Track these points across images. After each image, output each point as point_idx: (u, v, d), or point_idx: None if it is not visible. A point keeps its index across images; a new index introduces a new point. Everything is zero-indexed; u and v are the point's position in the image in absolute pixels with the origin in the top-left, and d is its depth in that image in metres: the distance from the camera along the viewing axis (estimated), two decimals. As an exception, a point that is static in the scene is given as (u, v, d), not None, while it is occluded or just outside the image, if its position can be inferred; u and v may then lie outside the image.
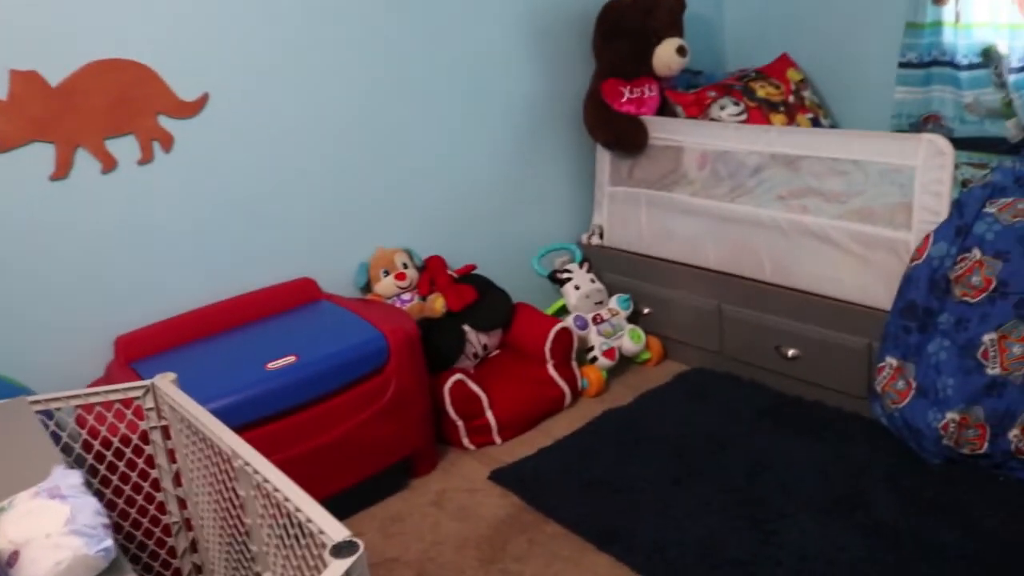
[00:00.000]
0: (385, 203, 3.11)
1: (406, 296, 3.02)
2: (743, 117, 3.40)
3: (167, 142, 2.60)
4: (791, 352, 2.86)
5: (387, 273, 3.01)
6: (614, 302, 3.32)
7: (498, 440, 2.90)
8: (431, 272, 3.08)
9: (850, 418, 2.74)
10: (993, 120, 3.33)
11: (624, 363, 3.29)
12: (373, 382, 2.54)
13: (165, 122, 2.59)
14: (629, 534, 2.34)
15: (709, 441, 2.71)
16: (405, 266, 3.04)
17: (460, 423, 2.85)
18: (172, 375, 1.86)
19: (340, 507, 2.46)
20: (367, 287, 3.06)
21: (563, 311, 3.33)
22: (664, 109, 3.44)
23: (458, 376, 2.83)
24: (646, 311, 3.34)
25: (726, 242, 3.04)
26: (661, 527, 2.34)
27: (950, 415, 2.42)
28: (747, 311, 2.98)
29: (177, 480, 1.93)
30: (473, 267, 3.17)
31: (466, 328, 3.00)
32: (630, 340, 3.24)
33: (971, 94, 3.35)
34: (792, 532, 2.27)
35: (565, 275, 3.34)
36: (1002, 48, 3.23)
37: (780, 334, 2.89)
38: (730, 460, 2.61)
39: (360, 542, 1.11)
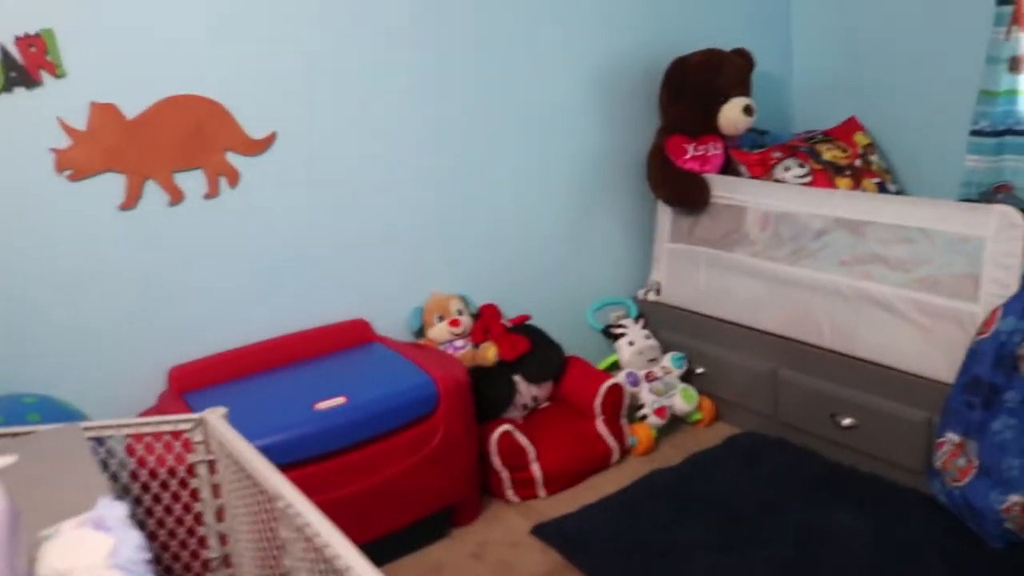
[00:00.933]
0: (443, 249, 3.13)
1: (459, 343, 3.02)
2: (808, 179, 3.36)
3: (234, 178, 2.66)
4: (847, 421, 2.79)
5: (441, 319, 3.01)
6: (668, 360, 3.28)
7: (543, 494, 2.86)
8: (485, 320, 3.08)
9: (907, 493, 2.65)
10: (1065, 193, 3.26)
11: (675, 423, 3.23)
12: (421, 427, 2.53)
13: (233, 159, 2.65)
14: (673, 600, 2.28)
15: (759, 508, 2.64)
16: (460, 312, 3.04)
17: (505, 474, 2.82)
18: (223, 409, 1.87)
19: (381, 552, 2.48)
20: (420, 332, 3.06)
21: (615, 366, 3.29)
22: (728, 168, 3.42)
23: (506, 427, 2.81)
24: (700, 371, 3.29)
25: (785, 305, 2.99)
26: (706, 594, 2.28)
27: (1015, 498, 2.33)
28: (803, 376, 2.92)
29: (220, 516, 1.93)
30: (527, 317, 3.16)
31: (517, 379, 2.98)
32: (682, 399, 3.19)
33: (1045, 165, 3.28)
34: (842, 609, 2.19)
35: (619, 330, 3.31)
36: (1077, 120, 3.17)
37: (836, 401, 2.81)
38: (780, 530, 2.53)
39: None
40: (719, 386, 3.24)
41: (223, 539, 1.96)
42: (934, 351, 2.58)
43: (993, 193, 3.43)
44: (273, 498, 1.48)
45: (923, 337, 2.61)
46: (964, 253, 2.56)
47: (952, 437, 2.48)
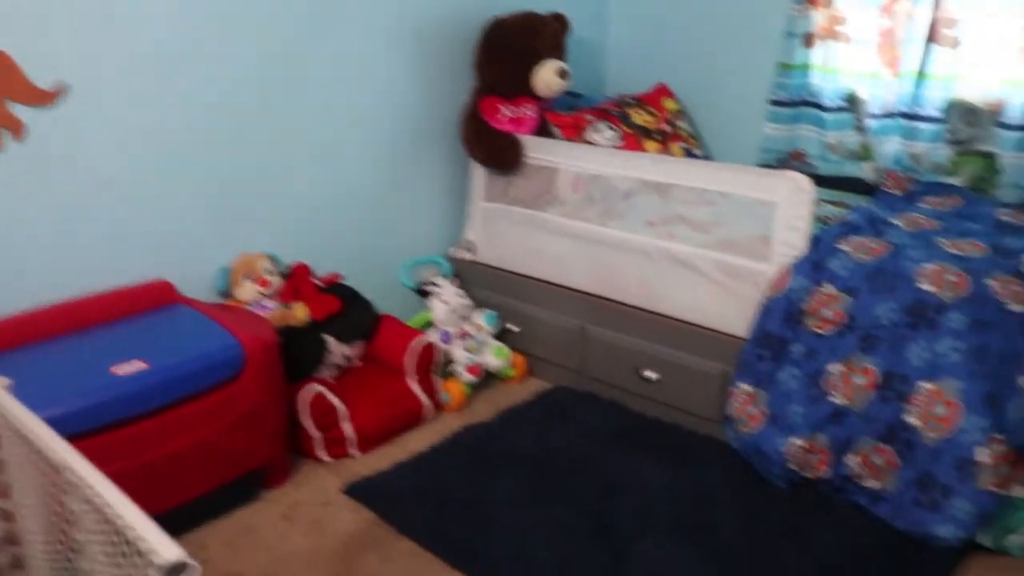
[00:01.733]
0: (252, 208, 3.01)
1: (268, 303, 2.93)
2: (618, 142, 3.45)
3: (18, 130, 2.45)
4: (651, 374, 2.92)
5: (249, 279, 2.92)
6: (481, 318, 3.31)
7: (355, 453, 2.84)
8: (295, 280, 3.00)
9: (705, 441, 2.81)
10: (853, 161, 3.49)
11: (488, 379, 3.28)
12: (227, 390, 2.45)
13: (18, 110, 2.44)
14: (482, 553, 2.32)
15: (567, 461, 2.73)
16: (268, 272, 2.95)
17: (317, 435, 2.78)
18: (5, 380, 1.74)
19: (186, 518, 2.40)
20: (228, 293, 2.96)
21: (428, 324, 3.30)
22: (543, 130, 3.46)
23: (317, 387, 2.76)
24: (512, 328, 3.35)
25: (594, 264, 3.08)
26: (514, 546, 2.34)
27: (796, 441, 2.51)
28: (610, 332, 3.03)
29: (5, 493, 1.81)
30: (339, 277, 3.11)
31: (328, 338, 2.93)
32: (494, 356, 3.24)
33: (835, 135, 3.51)
34: (642, 556, 2.30)
35: (432, 288, 3.31)
36: (864, 94, 3.39)
37: (641, 356, 2.94)
38: (587, 481, 2.62)
39: (193, 563, 1.06)
40: (531, 343, 3.31)
41: (8, 516, 1.83)
42: (731, 308, 2.73)
43: (789, 160, 3.65)
44: (60, 469, 1.40)
45: (721, 295, 2.75)
46: (759, 216, 2.71)
47: (744, 387, 2.64)
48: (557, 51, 3.40)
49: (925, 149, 3.29)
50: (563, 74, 3.33)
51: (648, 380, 2.93)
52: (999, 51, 3.07)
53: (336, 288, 3.04)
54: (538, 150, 3.30)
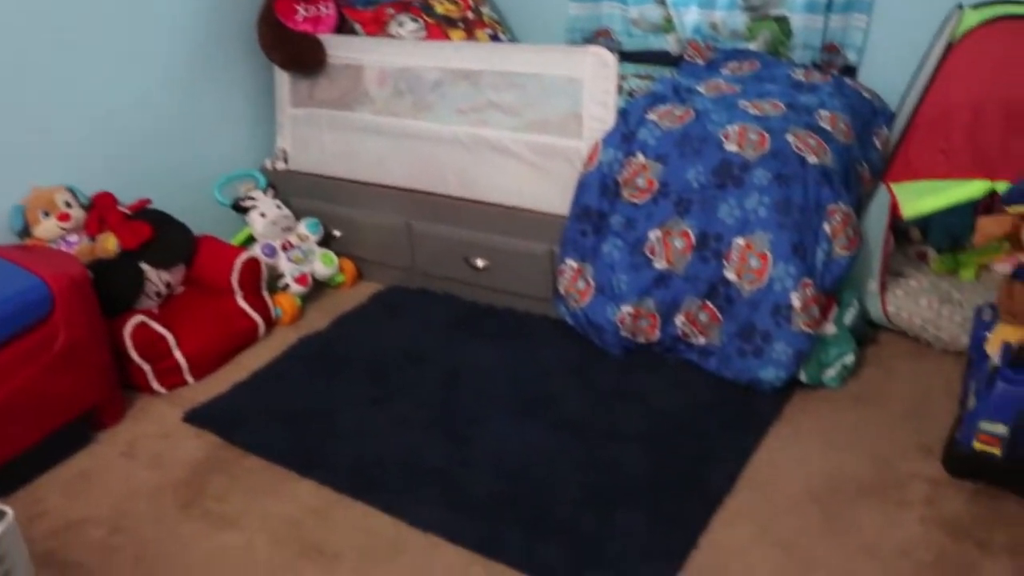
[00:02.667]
0: (38, 137, 2.78)
1: (72, 238, 2.76)
2: (422, 34, 3.38)
3: None
4: (480, 263, 2.94)
5: (47, 215, 2.73)
6: (303, 227, 3.23)
7: (190, 380, 2.75)
8: (99, 210, 2.83)
9: (539, 321, 2.88)
10: (657, 34, 3.56)
11: (319, 288, 3.23)
12: (37, 334, 2.30)
13: None
14: (330, 458, 2.32)
15: (406, 358, 2.74)
16: (68, 205, 2.76)
17: (147, 367, 2.67)
18: None
19: (18, 473, 2.28)
20: (26, 232, 2.76)
21: (250, 240, 3.19)
22: (343, 27, 3.34)
23: (139, 318, 2.64)
24: (337, 234, 3.28)
25: (411, 159, 3.04)
26: (361, 447, 2.35)
27: (625, 308, 2.61)
28: (436, 226, 3.02)
29: None
30: (147, 202, 2.94)
31: (144, 266, 2.79)
32: (322, 264, 3.18)
33: (636, 10, 3.55)
34: (487, 436, 2.36)
35: (249, 203, 3.19)
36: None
37: (469, 246, 2.95)
38: (426, 374, 2.65)
39: (7, 509, 1.00)
40: (358, 246, 3.27)
41: None
42: (550, 188, 2.76)
43: (595, 38, 3.68)
44: None
45: (539, 176, 2.78)
46: (567, 94, 2.73)
47: (571, 264, 2.70)
48: (349, -57, 3.27)
49: (723, 17, 3.38)
50: (355, -34, 3.21)
51: (478, 269, 2.95)
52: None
53: (145, 213, 2.88)
54: (339, 48, 3.19)
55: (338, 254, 3.27)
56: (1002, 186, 2.31)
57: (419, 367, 2.69)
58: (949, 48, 2.52)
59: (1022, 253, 2.11)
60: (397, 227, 3.11)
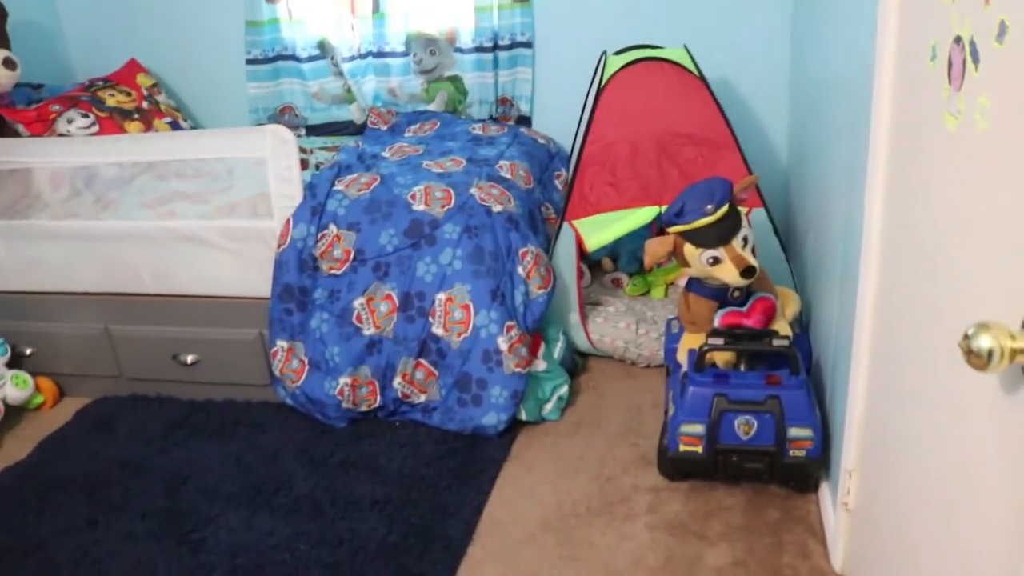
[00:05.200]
0: None
1: None
2: (94, 129, 3.23)
3: None
4: (190, 358, 2.83)
5: None
6: (-12, 350, 2.97)
7: None
8: None
9: (260, 408, 2.81)
10: (339, 105, 3.62)
11: (15, 413, 2.96)
12: None
13: None
14: (47, 594, 2.13)
15: (123, 470, 2.57)
16: None
17: None
18: None
19: None
20: None
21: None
22: (3, 129, 3.13)
23: None
24: (29, 352, 3.03)
25: (100, 261, 2.87)
26: (83, 571, 2.17)
27: (343, 380, 2.60)
28: (137, 327, 2.87)
29: None
30: None
31: None
32: (15, 387, 2.92)
33: (316, 84, 3.60)
34: (221, 535, 2.26)
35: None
36: (334, 40, 3.50)
37: (175, 343, 2.83)
38: (148, 484, 2.50)
39: None
40: (55, 362, 3.03)
41: None
42: (248, 272, 2.72)
43: (279, 115, 3.68)
44: None
45: (236, 261, 2.73)
46: (252, 175, 2.72)
47: (282, 344, 2.66)
48: (-1, 41, 3.09)
49: (400, 82, 3.50)
50: (9, 64, 3.03)
51: (189, 364, 2.84)
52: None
53: None
54: (2, 152, 2.97)
55: (34, 373, 3.01)
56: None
57: (139, 478, 2.53)
58: (600, 91, 2.75)
59: (687, 268, 2.32)
60: (95, 335, 2.92)
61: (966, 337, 0.89)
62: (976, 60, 1.05)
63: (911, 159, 1.39)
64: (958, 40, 1.12)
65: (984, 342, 0.87)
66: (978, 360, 0.88)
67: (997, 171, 1.00)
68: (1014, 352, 0.87)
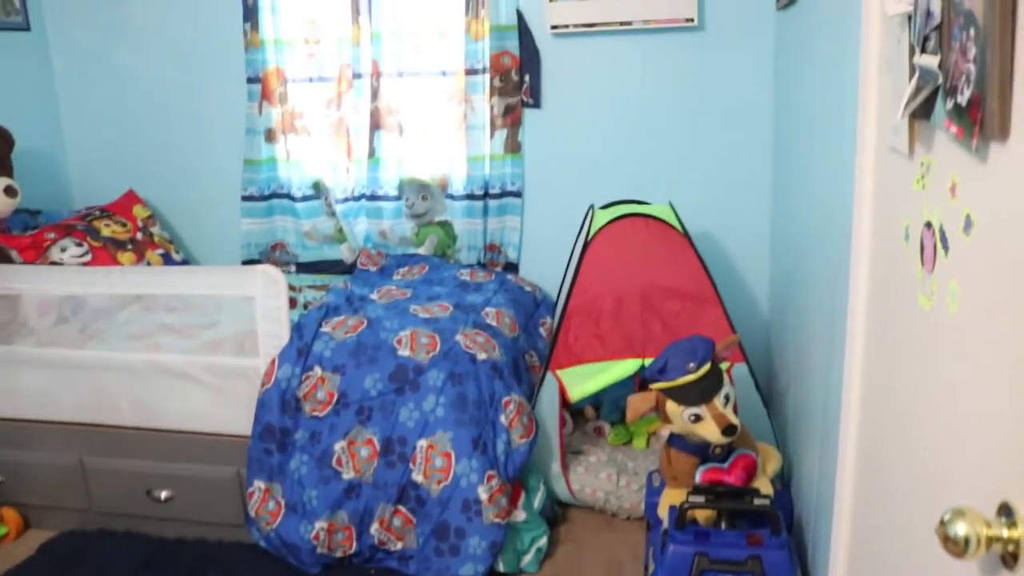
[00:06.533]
0: None
1: None
2: (88, 258, 3.27)
3: None
4: (164, 494, 2.77)
5: None
6: (-43, 479, 2.91)
7: None
8: None
9: (233, 549, 2.73)
10: (331, 245, 3.68)
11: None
12: None
13: None
14: None
15: (84, 611, 2.50)
16: None
17: None
18: None
19: None
20: None
21: None
22: (-3, 255, 3.17)
23: None
24: (-4, 481, 2.98)
25: (79, 390, 2.85)
26: None
27: (319, 524, 2.55)
28: (112, 460, 2.82)
29: None
30: None
31: None
32: (-24, 519, 2.86)
33: (309, 223, 3.67)
34: None
35: None
36: (328, 182, 3.60)
37: (149, 478, 2.78)
38: (109, 626, 2.42)
39: None
40: (23, 492, 2.96)
41: None
42: (230, 409, 2.70)
43: (271, 251, 3.74)
44: None
45: (218, 398, 2.72)
46: (240, 313, 2.73)
47: (259, 484, 2.62)
48: (1, 168, 3.15)
49: (391, 225, 3.58)
50: (10, 191, 3.09)
51: (162, 501, 2.78)
52: (438, 134, 3.46)
53: None
54: (-7, 279, 3.00)
55: None
56: (650, 362, 2.56)
57: (98, 620, 2.45)
58: (587, 244, 2.81)
59: (669, 423, 2.32)
60: (68, 465, 2.87)
61: (943, 523, 0.89)
62: (946, 247, 1.10)
63: (888, 330, 1.43)
64: (928, 225, 1.17)
65: (960, 529, 0.88)
66: (955, 547, 0.88)
67: (969, 353, 1.02)
68: (990, 540, 0.88)
